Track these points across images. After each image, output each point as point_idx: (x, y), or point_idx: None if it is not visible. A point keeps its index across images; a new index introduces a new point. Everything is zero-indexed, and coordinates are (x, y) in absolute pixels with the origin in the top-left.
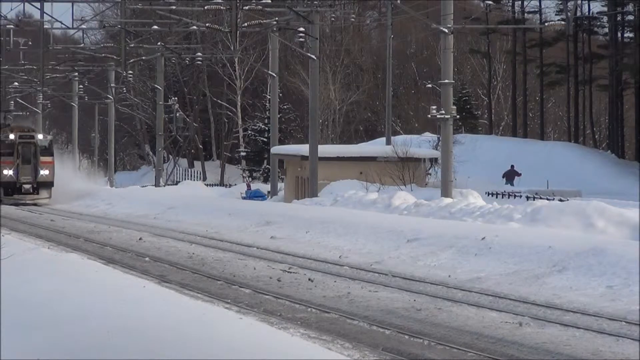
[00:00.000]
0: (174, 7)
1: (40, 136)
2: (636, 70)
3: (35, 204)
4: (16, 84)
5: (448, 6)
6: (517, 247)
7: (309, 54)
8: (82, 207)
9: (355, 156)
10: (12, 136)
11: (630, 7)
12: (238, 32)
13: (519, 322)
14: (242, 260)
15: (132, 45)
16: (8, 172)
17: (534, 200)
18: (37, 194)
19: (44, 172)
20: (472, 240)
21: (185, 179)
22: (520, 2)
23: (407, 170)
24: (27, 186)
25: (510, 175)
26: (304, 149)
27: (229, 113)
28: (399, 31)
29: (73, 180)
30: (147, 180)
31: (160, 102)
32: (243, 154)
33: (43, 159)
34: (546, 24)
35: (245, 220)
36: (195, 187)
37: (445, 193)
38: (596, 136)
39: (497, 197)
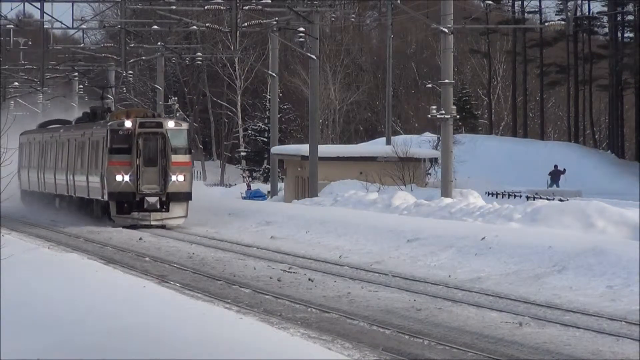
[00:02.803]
0: (174, 7)
1: (170, 124)
2: (636, 70)
3: (163, 226)
4: (16, 84)
5: (448, 6)
6: (517, 247)
7: (309, 54)
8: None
9: (355, 156)
10: (128, 124)
11: (630, 7)
12: (238, 32)
13: (519, 322)
14: (242, 260)
15: (132, 45)
16: (122, 178)
17: (534, 200)
18: (167, 210)
19: (178, 179)
20: (472, 240)
21: None
22: (520, 2)
23: (407, 170)
24: (151, 199)
25: (556, 175)
26: (304, 149)
27: (229, 113)
28: (399, 31)
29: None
30: None
31: (160, 102)
32: (243, 154)
33: (176, 158)
34: (546, 24)
35: (245, 220)
36: (195, 187)
37: (445, 193)
38: (596, 136)
39: (497, 197)
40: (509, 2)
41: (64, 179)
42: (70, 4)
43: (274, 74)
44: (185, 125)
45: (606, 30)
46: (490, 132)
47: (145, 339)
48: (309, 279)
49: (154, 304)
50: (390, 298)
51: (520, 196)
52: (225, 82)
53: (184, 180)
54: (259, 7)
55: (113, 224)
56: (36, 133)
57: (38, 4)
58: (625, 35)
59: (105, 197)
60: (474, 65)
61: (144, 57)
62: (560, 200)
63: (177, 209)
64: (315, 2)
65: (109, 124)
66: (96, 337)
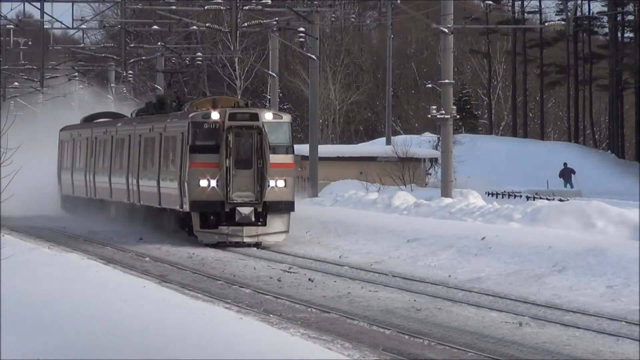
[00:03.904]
0: (174, 7)
1: (268, 115)
2: (636, 70)
3: (257, 245)
4: (16, 84)
5: (448, 6)
6: (517, 247)
7: (309, 54)
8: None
9: (355, 156)
10: (215, 115)
11: (630, 7)
12: (238, 32)
13: (519, 322)
14: (242, 260)
15: (132, 45)
16: (208, 183)
17: (534, 200)
18: (264, 224)
19: (277, 184)
20: (472, 240)
21: None
22: (520, 2)
23: (407, 170)
24: (245, 210)
25: (567, 174)
26: (304, 149)
27: None
28: (399, 31)
29: None
30: None
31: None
32: None
33: (275, 158)
34: (546, 24)
35: None
36: None
37: (445, 193)
38: (596, 136)
39: (497, 197)
40: (509, 2)
41: (124, 183)
42: (70, 4)
43: (274, 74)
44: (286, 118)
45: (606, 30)
46: (490, 132)
47: (145, 339)
48: (309, 279)
49: (154, 304)
50: (390, 298)
51: (520, 196)
52: (225, 82)
53: (285, 186)
54: (259, 7)
55: (195, 240)
56: (82, 128)
57: (38, 4)
58: (625, 35)
59: (185, 207)
60: (474, 65)
61: (144, 57)
62: (560, 200)
63: (276, 223)
64: (315, 2)
65: (190, 115)
66: (96, 337)
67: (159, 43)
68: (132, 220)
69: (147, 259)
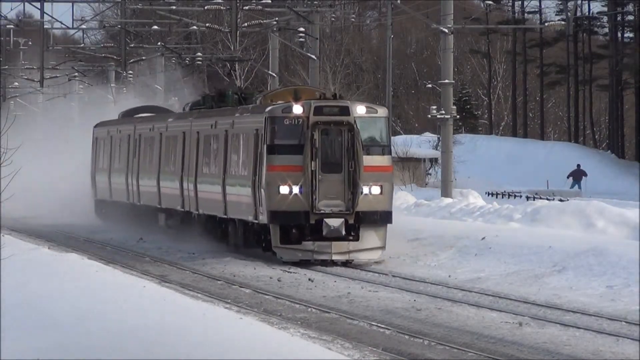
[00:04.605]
0: (174, 7)
1: (361, 109)
2: (636, 70)
3: (346, 263)
4: (16, 84)
5: (448, 6)
6: (517, 247)
7: (309, 54)
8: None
9: None
10: (298, 109)
11: (630, 7)
12: (238, 32)
13: (519, 322)
14: (242, 260)
15: (132, 45)
16: (290, 190)
17: (534, 200)
18: (356, 239)
19: (372, 191)
20: (472, 240)
21: None
22: (520, 2)
23: (407, 170)
24: (333, 222)
25: (578, 175)
26: None
27: None
28: (399, 31)
29: None
30: None
31: (161, 102)
32: None
33: (370, 160)
34: (546, 24)
35: None
36: None
37: (445, 193)
38: (596, 136)
39: (497, 197)
40: (509, 2)
41: (177, 188)
42: (70, 4)
43: (274, 74)
44: (382, 112)
45: (606, 30)
46: (490, 132)
47: (145, 339)
48: (309, 279)
49: (154, 304)
50: (390, 298)
51: (520, 196)
52: (225, 82)
53: (381, 193)
54: (259, 7)
55: (270, 257)
56: (122, 124)
57: (38, 4)
58: (625, 35)
59: (261, 218)
60: (474, 65)
61: (144, 57)
62: (560, 200)
63: (370, 237)
64: (315, 2)
65: (267, 109)
66: (96, 337)
67: (159, 43)
68: (188, 232)
69: (147, 258)
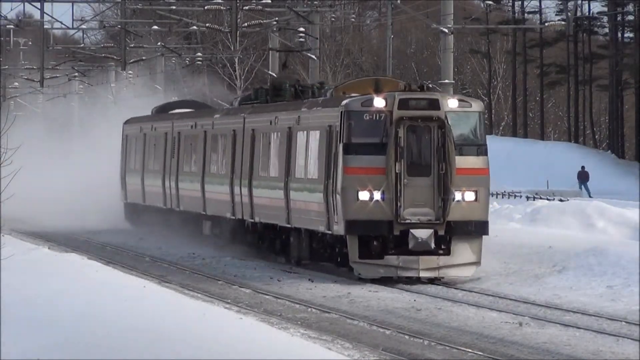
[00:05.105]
0: (174, 7)
1: (452, 102)
2: (636, 70)
3: (433, 280)
4: (16, 84)
5: (448, 6)
6: (517, 247)
7: (309, 54)
8: None
9: None
10: (379, 102)
11: (630, 7)
12: (238, 32)
13: (519, 322)
14: (243, 260)
15: (132, 45)
16: (370, 196)
17: (534, 200)
18: (447, 253)
19: (465, 198)
20: None
21: None
22: (520, 2)
23: None
24: (421, 233)
25: (584, 176)
26: None
27: None
28: (399, 31)
29: None
30: None
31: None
32: None
33: (463, 162)
34: (546, 24)
35: None
36: None
37: None
38: (596, 136)
39: (497, 197)
40: (509, 2)
41: (227, 193)
42: (70, 4)
43: (274, 74)
44: (476, 106)
45: (606, 30)
46: (490, 132)
47: (145, 339)
48: (309, 279)
49: (154, 304)
50: (390, 298)
51: (520, 196)
52: (225, 82)
53: (476, 199)
54: (259, 7)
55: (345, 273)
56: (157, 121)
57: (38, 4)
58: (625, 35)
59: (336, 229)
60: (474, 65)
61: (144, 57)
62: (560, 200)
63: (463, 251)
64: (315, 2)
65: (344, 102)
66: (96, 337)
67: (159, 43)
68: (236, 242)
69: (147, 258)
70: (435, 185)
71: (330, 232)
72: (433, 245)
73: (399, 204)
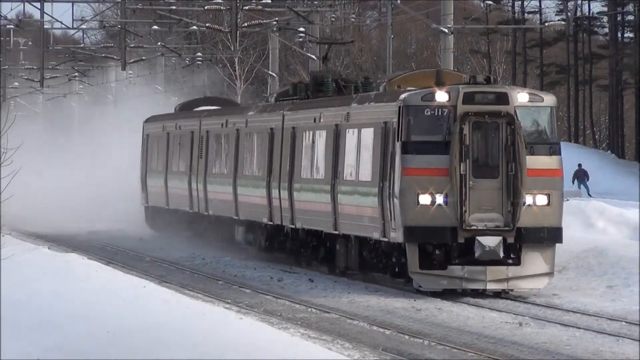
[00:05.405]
0: (174, 7)
1: (523, 96)
2: (636, 70)
3: (500, 293)
4: (16, 84)
5: (448, 6)
6: None
7: (309, 54)
8: None
9: None
10: (442, 96)
11: (630, 7)
12: (238, 32)
13: (519, 322)
14: (243, 260)
15: (132, 45)
16: (432, 200)
17: None
18: (517, 262)
19: (537, 202)
20: None
21: None
22: (520, 2)
23: None
24: (489, 241)
25: (581, 175)
26: None
27: None
28: (399, 31)
29: None
30: None
31: (161, 102)
32: None
33: (534, 162)
34: (546, 24)
35: None
36: None
37: None
38: (596, 136)
39: None
40: (509, 2)
41: (263, 197)
42: (70, 4)
43: (274, 74)
44: (549, 100)
45: (606, 30)
46: None
47: (145, 338)
48: (309, 279)
49: (154, 304)
50: (390, 298)
51: None
52: (225, 82)
53: (548, 204)
54: (259, 7)
55: (404, 285)
56: (181, 118)
57: (38, 4)
58: (625, 35)
59: (394, 236)
60: (474, 65)
61: (144, 57)
62: None
63: (535, 261)
64: (315, 2)
65: (402, 96)
66: (96, 337)
67: (159, 43)
68: (274, 249)
69: (147, 259)
70: (504, 188)
71: (386, 239)
72: (502, 254)
73: (463, 209)
